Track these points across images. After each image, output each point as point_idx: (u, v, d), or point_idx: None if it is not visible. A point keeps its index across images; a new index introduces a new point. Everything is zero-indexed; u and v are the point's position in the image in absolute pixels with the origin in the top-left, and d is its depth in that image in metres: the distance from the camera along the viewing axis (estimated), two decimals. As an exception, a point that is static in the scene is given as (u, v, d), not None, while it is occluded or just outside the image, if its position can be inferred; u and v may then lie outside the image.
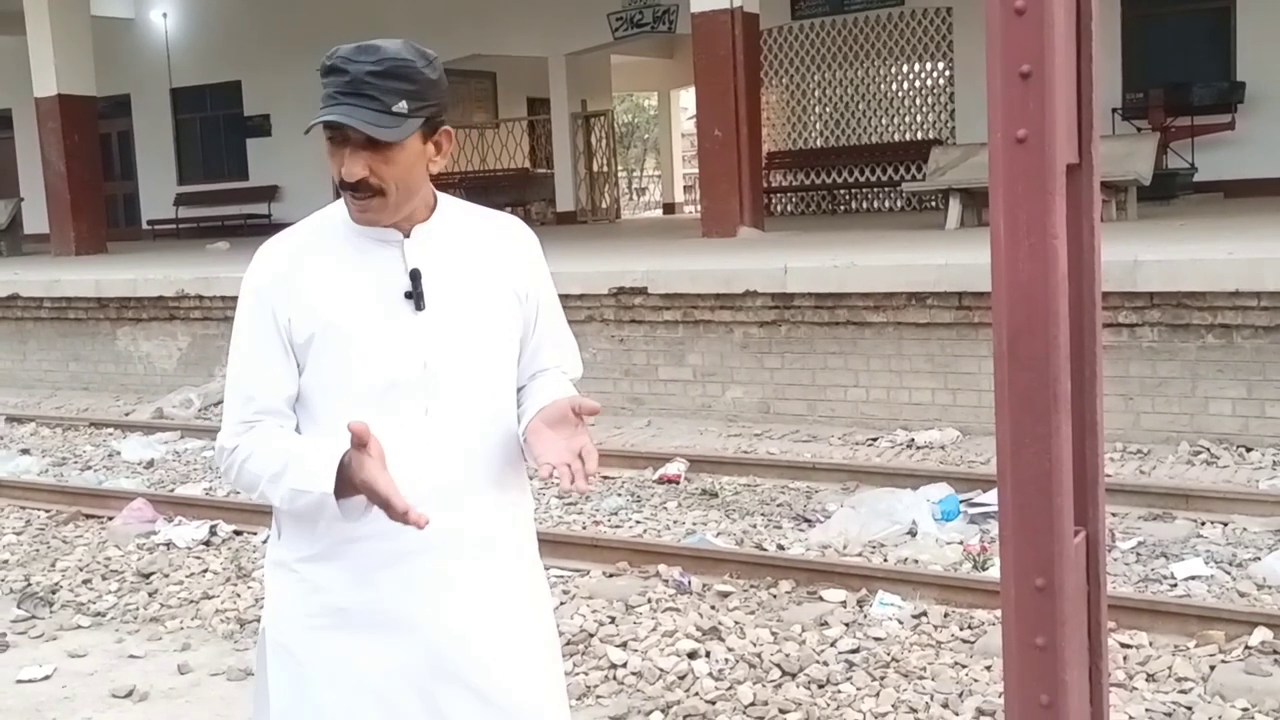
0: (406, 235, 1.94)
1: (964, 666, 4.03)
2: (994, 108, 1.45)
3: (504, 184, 19.97)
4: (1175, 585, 4.76)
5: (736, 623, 4.50)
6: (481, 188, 17.92)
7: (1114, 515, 5.60)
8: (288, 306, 1.91)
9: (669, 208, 26.66)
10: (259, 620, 4.74)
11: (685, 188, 27.34)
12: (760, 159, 13.37)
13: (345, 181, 1.87)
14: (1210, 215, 10.95)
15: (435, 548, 1.93)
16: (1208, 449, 6.77)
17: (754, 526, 5.87)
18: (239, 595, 5.09)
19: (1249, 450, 6.70)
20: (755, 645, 4.27)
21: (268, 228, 21.35)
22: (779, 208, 18.00)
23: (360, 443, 1.77)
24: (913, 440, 7.46)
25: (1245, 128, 13.88)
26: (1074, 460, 1.52)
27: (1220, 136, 13.97)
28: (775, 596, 4.79)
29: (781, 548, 5.48)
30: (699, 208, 14.57)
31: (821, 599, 4.72)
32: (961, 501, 5.79)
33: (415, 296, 1.92)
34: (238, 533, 6.01)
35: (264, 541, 5.87)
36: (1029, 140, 1.43)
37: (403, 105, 1.83)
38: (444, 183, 18.12)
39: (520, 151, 21.67)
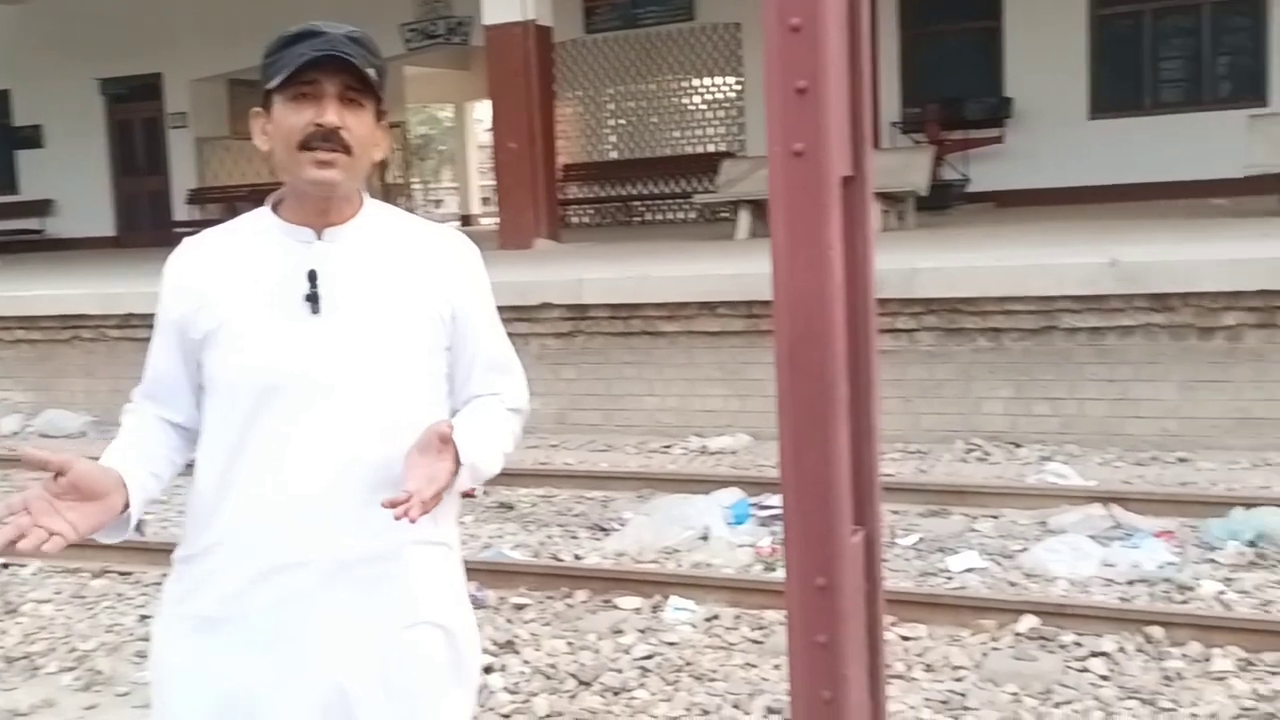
0: (320, 236, 1.91)
1: (754, 666, 4.13)
2: (772, 122, 1.49)
3: (293, 196, 19.41)
4: (952, 578, 4.98)
5: (533, 634, 4.49)
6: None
7: (895, 513, 5.83)
8: (188, 302, 1.91)
9: (466, 220, 26.43)
10: (29, 657, 4.49)
11: (482, 200, 27.18)
12: (555, 171, 13.40)
13: (321, 130, 1.83)
14: (982, 224, 11.52)
15: (309, 565, 1.85)
16: (981, 446, 7.13)
17: (551, 537, 5.88)
18: (5, 632, 4.79)
19: (1018, 447, 7.08)
20: (551, 656, 4.27)
21: (40, 244, 20.23)
22: (576, 219, 18.07)
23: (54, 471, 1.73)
24: (705, 446, 7.60)
25: (1013, 141, 14.67)
26: (852, 463, 1.57)
27: (991, 149, 14.72)
28: (571, 607, 4.80)
29: (578, 557, 5.50)
30: (496, 220, 14.51)
31: (616, 607, 4.75)
32: (752, 505, 5.93)
33: (312, 299, 1.87)
34: (4, 565, 5.66)
35: (34, 574, 5.57)
36: (806, 154, 1.48)
37: (372, 73, 1.87)
38: (232, 195, 17.16)
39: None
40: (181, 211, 19.53)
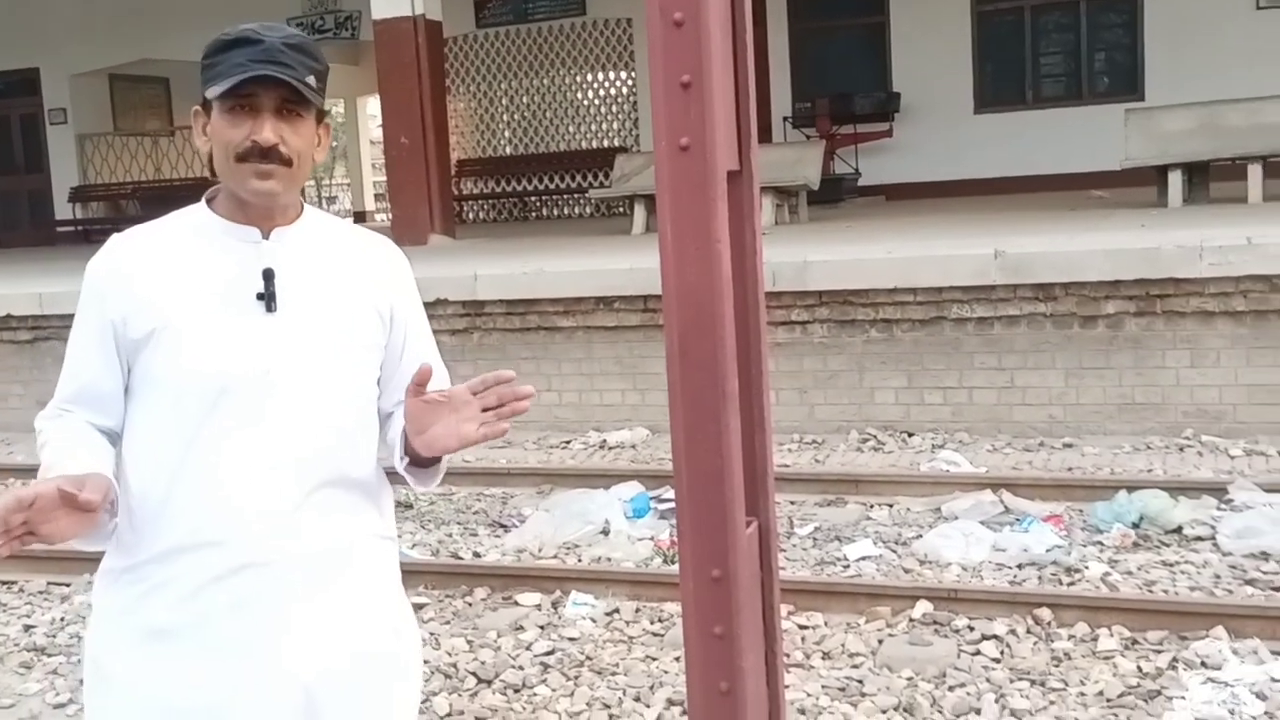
0: (266, 236, 1.88)
1: (655, 659, 4.14)
2: (658, 117, 1.49)
3: (182, 194, 18.77)
4: (848, 566, 5.06)
5: (432, 634, 4.45)
6: (158, 198, 16.92)
7: (791, 503, 5.90)
8: (123, 302, 1.85)
9: (360, 216, 26.07)
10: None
11: (376, 195, 26.86)
12: (449, 166, 13.30)
13: (257, 146, 1.80)
14: (873, 217, 11.70)
15: (270, 565, 1.82)
16: (875, 436, 7.24)
17: (450, 535, 5.83)
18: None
19: (910, 435, 7.21)
20: (451, 655, 4.25)
21: None
22: (471, 215, 17.95)
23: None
24: (605, 441, 7.61)
25: (901, 135, 14.93)
26: (744, 454, 1.58)
27: (880, 143, 14.97)
28: (471, 605, 4.78)
29: (478, 555, 5.47)
30: (389, 216, 14.34)
31: (517, 603, 4.74)
32: (651, 498, 5.95)
33: (267, 297, 1.84)
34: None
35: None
36: (691, 148, 1.48)
37: (312, 80, 1.85)
38: (117, 193, 16.62)
39: (199, 160, 20.62)
40: (64, 210, 18.97)
